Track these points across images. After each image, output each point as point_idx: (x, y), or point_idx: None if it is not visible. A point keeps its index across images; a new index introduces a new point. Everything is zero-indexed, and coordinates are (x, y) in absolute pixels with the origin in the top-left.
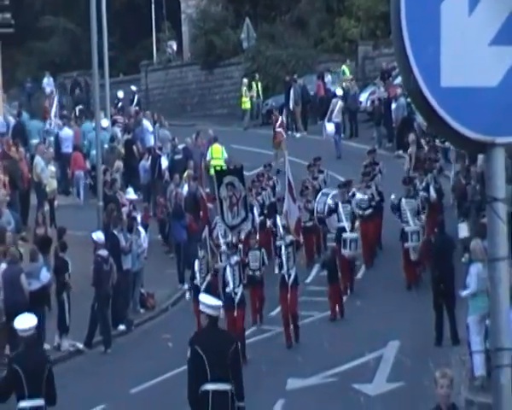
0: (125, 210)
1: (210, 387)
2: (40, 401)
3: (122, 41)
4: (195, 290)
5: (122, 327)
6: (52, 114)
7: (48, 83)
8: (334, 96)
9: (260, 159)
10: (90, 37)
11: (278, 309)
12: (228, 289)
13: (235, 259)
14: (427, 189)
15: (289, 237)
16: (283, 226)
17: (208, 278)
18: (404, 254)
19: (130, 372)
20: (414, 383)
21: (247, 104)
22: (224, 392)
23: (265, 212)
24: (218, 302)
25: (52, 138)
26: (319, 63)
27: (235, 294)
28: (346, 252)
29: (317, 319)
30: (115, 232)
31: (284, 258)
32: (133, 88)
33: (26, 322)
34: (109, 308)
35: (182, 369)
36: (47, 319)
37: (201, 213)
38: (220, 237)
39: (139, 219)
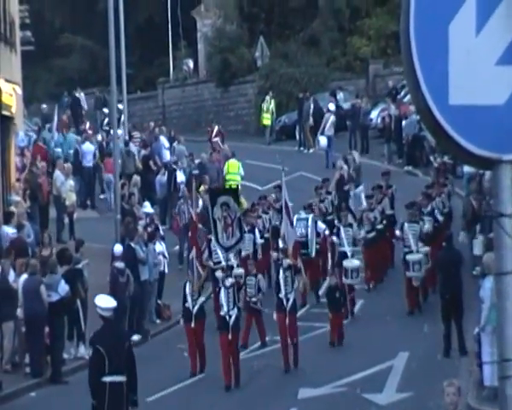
0: (141, 223)
1: (107, 379)
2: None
3: (140, 59)
4: (187, 314)
5: (138, 337)
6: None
7: (80, 98)
8: (328, 110)
9: (274, 174)
10: (108, 54)
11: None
12: (222, 312)
13: (229, 281)
14: (432, 214)
15: (287, 261)
16: (282, 250)
17: (200, 300)
18: (406, 281)
19: (147, 381)
20: (423, 393)
21: (267, 120)
22: (120, 383)
23: (266, 235)
24: (111, 305)
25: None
26: (331, 81)
27: (230, 316)
28: (347, 281)
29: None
30: (132, 245)
31: (282, 281)
32: (120, 106)
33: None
34: (126, 319)
35: (197, 378)
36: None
37: (190, 233)
38: (221, 257)
39: (161, 231)
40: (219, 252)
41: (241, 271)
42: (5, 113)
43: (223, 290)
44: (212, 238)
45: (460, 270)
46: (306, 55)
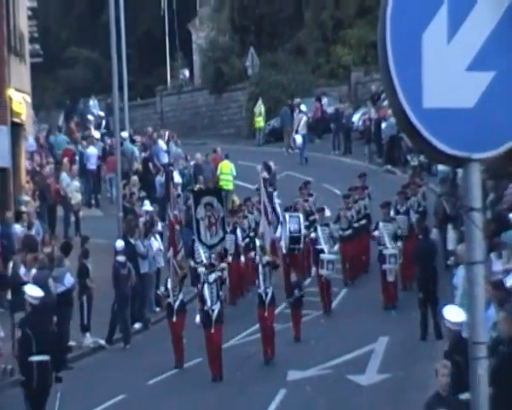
0: (142, 220)
1: (35, 358)
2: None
3: (140, 68)
4: (169, 309)
5: (139, 325)
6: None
7: (93, 105)
8: (300, 111)
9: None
10: (110, 65)
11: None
12: (205, 307)
13: (212, 277)
14: (407, 213)
15: (266, 258)
16: (260, 247)
17: (181, 296)
18: (382, 275)
19: (148, 366)
20: (402, 373)
21: (260, 123)
22: (46, 362)
23: (251, 234)
24: (39, 294)
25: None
26: (316, 87)
27: (213, 311)
28: (322, 272)
29: (315, 316)
30: (132, 241)
31: (261, 277)
32: (101, 113)
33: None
34: (128, 308)
35: (195, 362)
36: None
37: (168, 233)
38: (203, 257)
39: (159, 227)
40: (201, 251)
41: (224, 265)
42: (16, 120)
43: (206, 286)
44: (195, 238)
45: (435, 259)
46: (293, 63)
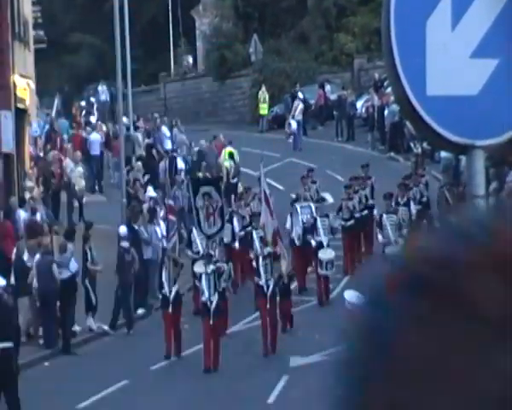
0: (145, 206)
1: None
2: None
3: (143, 55)
4: (164, 300)
5: (142, 311)
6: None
7: (102, 91)
8: (297, 98)
9: (267, 161)
10: (114, 51)
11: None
12: (203, 298)
13: (210, 268)
14: (407, 204)
15: (267, 249)
16: (261, 238)
17: (176, 287)
18: None
19: (151, 351)
20: None
21: (265, 110)
22: (8, 348)
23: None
24: (2, 282)
25: None
26: (320, 74)
27: (211, 302)
28: (322, 272)
29: (316, 303)
30: (135, 227)
31: (262, 269)
32: (92, 99)
33: None
34: (131, 294)
35: (197, 348)
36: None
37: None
38: (200, 247)
39: (162, 213)
40: (198, 242)
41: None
42: (20, 106)
43: (204, 277)
44: (194, 227)
45: None
46: (296, 50)
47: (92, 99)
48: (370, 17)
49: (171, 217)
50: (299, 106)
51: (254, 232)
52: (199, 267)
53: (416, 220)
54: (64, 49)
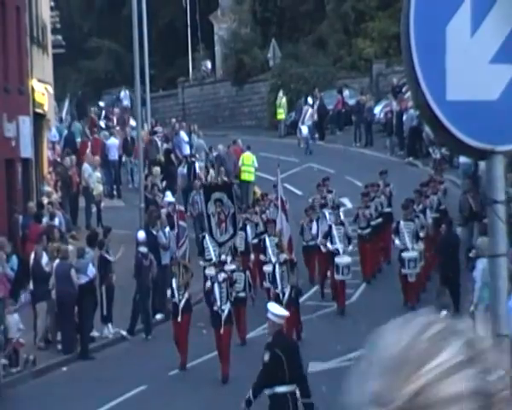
0: (163, 211)
1: None
2: None
3: (162, 60)
4: (174, 308)
5: (161, 316)
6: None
7: (124, 96)
8: (307, 104)
9: (285, 166)
10: (132, 56)
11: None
12: (215, 307)
13: (222, 276)
14: (423, 211)
15: (283, 256)
16: (276, 245)
17: (186, 295)
18: (400, 277)
19: (169, 357)
20: None
21: (282, 115)
22: None
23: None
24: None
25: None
26: (338, 79)
27: (222, 311)
28: (339, 277)
29: (335, 309)
30: (153, 232)
31: (278, 276)
32: (101, 104)
33: None
34: (149, 299)
35: (214, 354)
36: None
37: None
38: (212, 254)
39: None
40: (211, 249)
41: (233, 266)
42: (38, 110)
43: (216, 285)
44: (206, 233)
45: (458, 252)
46: (315, 55)
47: (112, 104)
48: (389, 22)
49: (182, 223)
50: (308, 111)
51: (267, 239)
52: (210, 271)
53: (433, 228)
54: (82, 54)
